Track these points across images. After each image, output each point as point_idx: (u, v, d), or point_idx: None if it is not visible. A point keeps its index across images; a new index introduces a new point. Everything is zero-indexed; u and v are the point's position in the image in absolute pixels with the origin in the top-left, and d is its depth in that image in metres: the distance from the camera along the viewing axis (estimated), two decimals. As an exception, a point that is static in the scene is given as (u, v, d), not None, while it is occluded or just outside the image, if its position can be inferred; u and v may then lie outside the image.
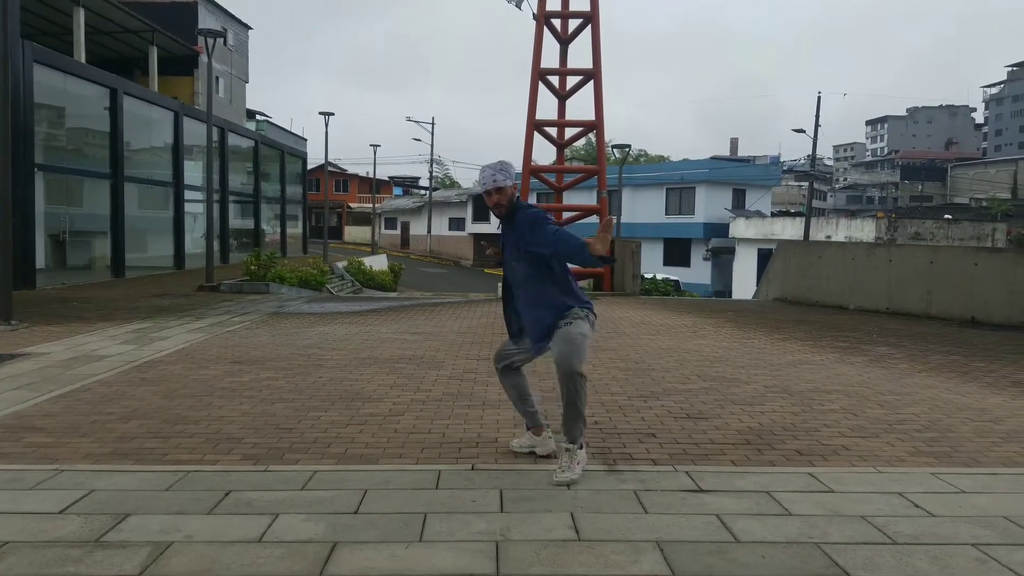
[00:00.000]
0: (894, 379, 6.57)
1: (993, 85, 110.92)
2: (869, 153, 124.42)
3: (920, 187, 79.13)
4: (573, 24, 15.63)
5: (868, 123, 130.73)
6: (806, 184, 77.33)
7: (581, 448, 3.88)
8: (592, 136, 56.33)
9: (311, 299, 14.00)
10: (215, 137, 25.37)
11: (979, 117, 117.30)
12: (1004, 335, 9.67)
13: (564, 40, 15.67)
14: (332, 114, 27.99)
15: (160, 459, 4.13)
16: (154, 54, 27.61)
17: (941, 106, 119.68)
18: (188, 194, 22.30)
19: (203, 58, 35.28)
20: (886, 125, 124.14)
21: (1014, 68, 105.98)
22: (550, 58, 15.75)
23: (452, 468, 3.97)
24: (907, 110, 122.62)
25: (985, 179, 75.17)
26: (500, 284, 4.24)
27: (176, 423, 4.85)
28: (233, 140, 27.50)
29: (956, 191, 77.05)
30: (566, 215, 16.60)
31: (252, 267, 15.99)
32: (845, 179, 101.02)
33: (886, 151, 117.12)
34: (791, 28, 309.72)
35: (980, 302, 11.26)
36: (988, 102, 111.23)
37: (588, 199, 37.90)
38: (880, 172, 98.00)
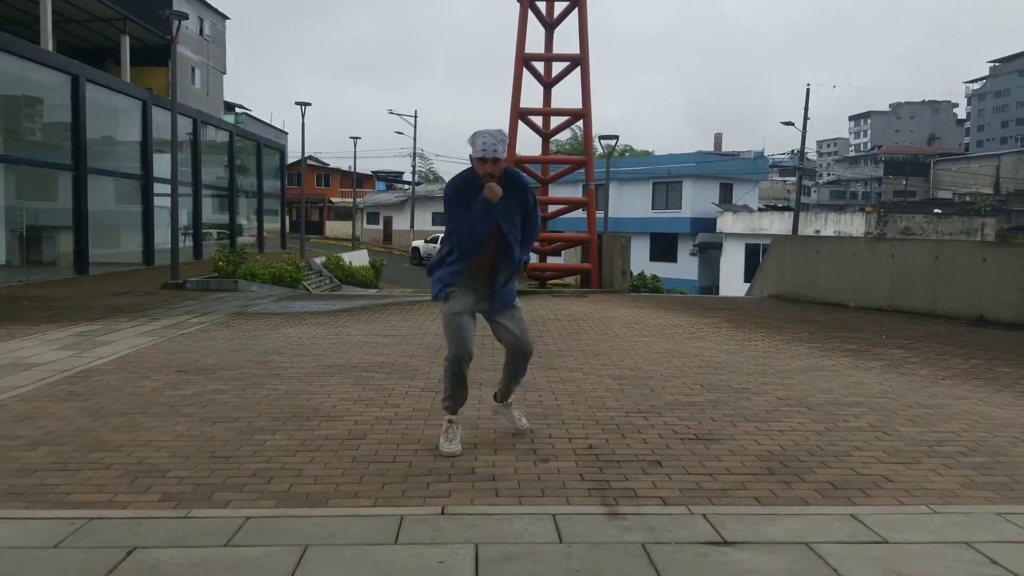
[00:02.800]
0: (918, 388, 5.90)
1: (975, 81, 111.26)
2: (852, 148, 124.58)
3: (904, 182, 79.09)
4: (559, 7, 14.86)
5: (851, 118, 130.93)
6: (791, 179, 77.16)
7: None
8: (577, 128, 55.67)
9: (282, 297, 13.20)
10: (189, 129, 24.49)
11: (961, 112, 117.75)
12: (1019, 336, 9.05)
13: (549, 24, 14.90)
14: (309, 104, 27.07)
15: (60, 500, 3.37)
16: (126, 43, 26.61)
17: (924, 101, 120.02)
18: (158, 187, 21.31)
19: (179, 48, 34.35)
20: (869, 120, 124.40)
21: (996, 64, 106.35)
22: (535, 45, 15.01)
23: (417, 513, 3.23)
24: (890, 105, 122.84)
25: (967, 174, 75.20)
26: (466, 245, 3.99)
27: (93, 450, 4.08)
28: (208, 132, 26.54)
29: (939, 186, 77.05)
30: (552, 208, 15.87)
31: (220, 263, 15.14)
32: (829, 174, 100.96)
33: (869, 146, 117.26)
34: (774, 25, 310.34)
35: (989, 300, 10.65)
36: (970, 98, 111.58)
37: (569, 193, 37.12)
38: (863, 167, 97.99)
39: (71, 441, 4.24)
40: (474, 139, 3.89)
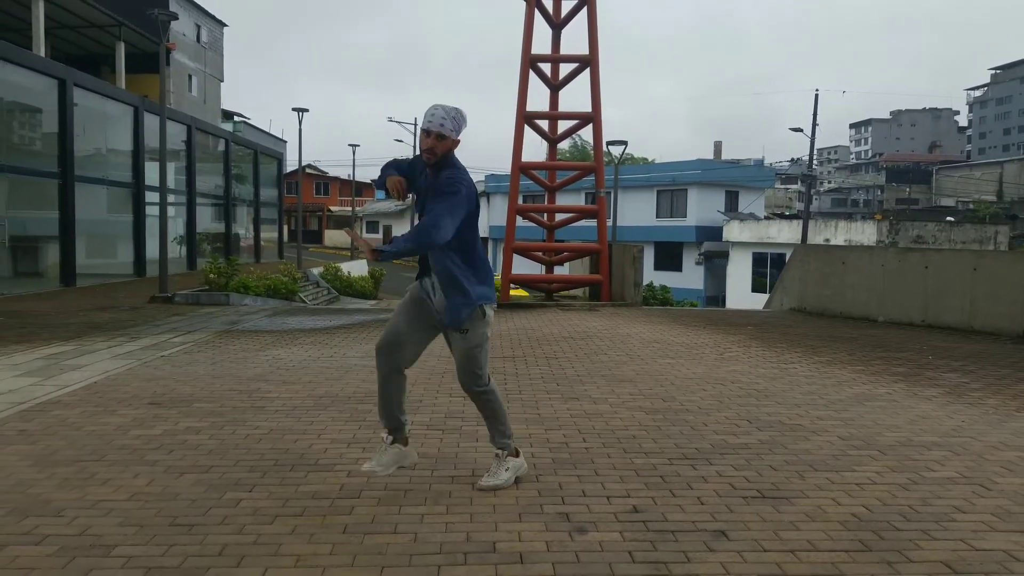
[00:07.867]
0: (996, 424, 5.16)
1: (977, 88, 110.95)
2: (853, 156, 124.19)
3: (908, 190, 78.51)
4: (567, 7, 14.17)
5: (852, 126, 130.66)
6: (793, 187, 76.45)
7: (516, 455, 3.73)
8: (577, 137, 54.45)
9: (276, 312, 12.45)
10: (183, 136, 23.82)
11: (962, 120, 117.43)
12: (1075, 355, 8.32)
13: (557, 24, 14.21)
14: (306, 110, 26.44)
15: (-32, 595, 2.63)
16: (121, 50, 25.95)
17: (924, 109, 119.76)
18: (150, 196, 20.60)
19: (176, 55, 33.71)
20: (870, 128, 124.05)
21: (997, 71, 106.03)
22: (542, 46, 14.32)
23: (427, 617, 2.49)
24: (891, 113, 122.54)
25: (970, 181, 74.66)
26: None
27: (28, 513, 3.33)
28: (203, 140, 25.86)
29: (941, 193, 76.55)
30: (560, 216, 15.15)
31: (211, 275, 14.40)
32: (829, 182, 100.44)
33: (870, 154, 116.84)
34: (774, 34, 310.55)
35: (1033, 314, 9.91)
36: (972, 105, 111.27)
37: (572, 200, 36.28)
38: (864, 175, 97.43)
39: (5, 501, 3.49)
40: (430, 113, 3.48)
